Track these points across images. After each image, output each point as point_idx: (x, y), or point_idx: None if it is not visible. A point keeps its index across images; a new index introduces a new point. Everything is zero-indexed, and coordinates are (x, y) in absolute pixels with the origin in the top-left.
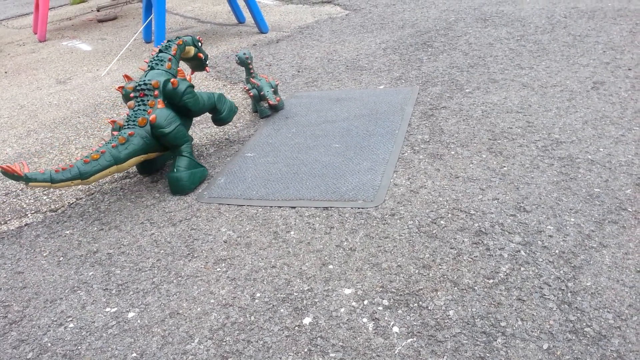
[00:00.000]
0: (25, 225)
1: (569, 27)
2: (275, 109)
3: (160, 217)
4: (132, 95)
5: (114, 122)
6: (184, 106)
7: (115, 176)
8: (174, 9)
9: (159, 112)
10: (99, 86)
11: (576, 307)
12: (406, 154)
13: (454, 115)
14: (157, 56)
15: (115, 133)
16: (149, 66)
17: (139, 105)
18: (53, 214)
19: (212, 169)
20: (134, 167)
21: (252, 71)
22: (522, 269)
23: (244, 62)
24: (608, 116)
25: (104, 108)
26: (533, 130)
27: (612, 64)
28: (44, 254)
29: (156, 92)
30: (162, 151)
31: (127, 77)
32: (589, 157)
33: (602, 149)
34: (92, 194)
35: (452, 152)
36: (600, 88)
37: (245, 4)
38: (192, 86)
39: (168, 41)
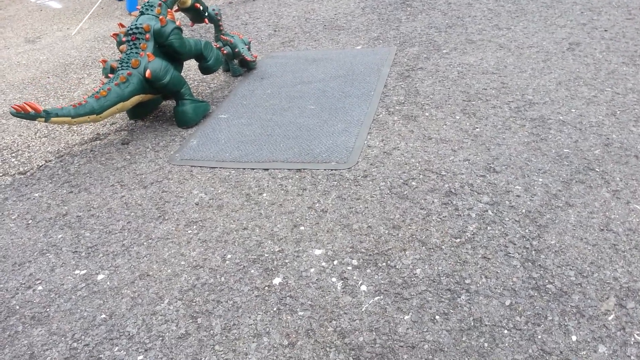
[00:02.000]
0: None
1: None
2: (249, 66)
3: (131, 179)
4: (124, 39)
5: (105, 61)
6: (170, 47)
7: (85, 137)
8: None
9: (152, 65)
10: (69, 45)
11: (539, 265)
12: (381, 116)
13: (430, 76)
14: (147, 2)
15: (111, 76)
16: (140, 12)
17: (131, 48)
18: (22, 176)
19: (184, 131)
20: (118, 115)
21: (222, 28)
22: (488, 228)
23: (214, 19)
24: (582, 77)
25: (74, 68)
26: (507, 91)
27: (589, 25)
28: (13, 217)
29: (147, 36)
30: (157, 93)
31: (121, 25)
32: (561, 118)
33: (573, 110)
34: (62, 156)
35: (427, 114)
36: (575, 49)
37: None
38: (179, 28)
39: None
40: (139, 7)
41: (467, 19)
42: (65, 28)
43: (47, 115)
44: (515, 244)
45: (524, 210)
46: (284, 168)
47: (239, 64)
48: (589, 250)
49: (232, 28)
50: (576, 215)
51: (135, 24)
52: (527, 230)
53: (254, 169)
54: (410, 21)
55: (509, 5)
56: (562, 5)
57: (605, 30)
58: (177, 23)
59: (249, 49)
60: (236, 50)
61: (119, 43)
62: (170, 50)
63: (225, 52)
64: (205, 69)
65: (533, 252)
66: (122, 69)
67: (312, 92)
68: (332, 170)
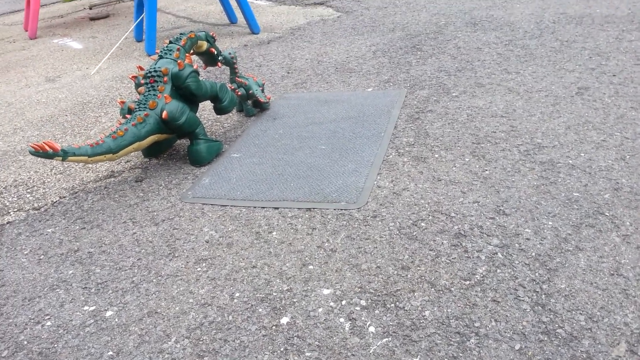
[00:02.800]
0: (7, 223)
1: (557, 33)
2: (263, 107)
3: (143, 216)
4: (142, 81)
5: (123, 102)
6: (187, 89)
7: (100, 174)
8: (166, 8)
9: (169, 107)
10: (87, 84)
11: (549, 309)
12: (391, 157)
13: (440, 118)
14: (167, 47)
15: (128, 117)
16: (159, 56)
17: (149, 90)
18: (36, 212)
19: (197, 169)
20: (135, 153)
21: (237, 70)
22: (498, 270)
23: (229, 62)
24: (591, 121)
25: (91, 107)
26: (516, 134)
27: (598, 69)
28: (25, 252)
29: (165, 79)
30: (172, 133)
31: (140, 67)
32: (570, 161)
33: (583, 154)
34: (76, 192)
35: (436, 155)
36: (584, 93)
37: (237, 4)
38: (196, 71)
39: (180, 34)
40: (157, 50)
41: (477, 63)
42: (85, 68)
43: (64, 155)
44: (525, 287)
45: (533, 254)
46: (294, 207)
47: (252, 105)
48: (599, 295)
49: (246, 70)
50: (586, 260)
51: (154, 67)
52: (537, 274)
53: (264, 207)
54: (420, 65)
55: (517, 49)
56: (570, 50)
57: (614, 75)
58: (195, 66)
59: (262, 90)
60: (250, 92)
61: (137, 85)
62: (187, 93)
63: (239, 93)
64: (220, 110)
65: (543, 295)
66: (139, 110)
67: (323, 133)
68: (341, 210)
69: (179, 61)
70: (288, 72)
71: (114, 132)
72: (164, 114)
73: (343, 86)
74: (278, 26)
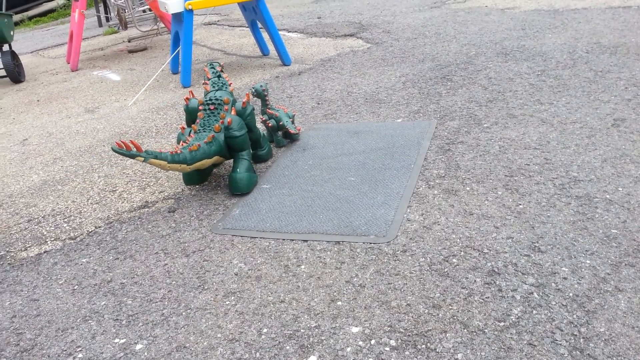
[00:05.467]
0: (44, 252)
1: (590, 63)
2: (293, 138)
3: (174, 247)
4: (200, 107)
5: (184, 128)
6: (247, 125)
7: (134, 205)
8: (201, 41)
9: (234, 118)
10: (125, 115)
11: (588, 354)
12: (421, 189)
13: (471, 150)
14: (219, 79)
15: (189, 139)
16: (217, 87)
17: (209, 115)
18: (72, 241)
19: (228, 200)
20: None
21: (268, 103)
22: (534, 312)
23: (261, 94)
24: (628, 154)
25: (128, 137)
26: (551, 167)
27: (634, 100)
28: (60, 282)
29: (226, 107)
30: (230, 150)
31: (192, 93)
32: (607, 196)
33: (620, 189)
34: (111, 222)
35: (468, 188)
36: (620, 125)
37: (269, 36)
38: (253, 109)
39: (213, 68)
40: (207, 79)
41: (508, 93)
42: (122, 99)
43: (147, 156)
44: (562, 330)
45: (571, 294)
46: (322, 240)
47: (283, 136)
48: None
49: (277, 101)
50: (626, 301)
51: (215, 96)
52: (574, 316)
53: (293, 239)
54: (450, 95)
55: (550, 80)
56: (605, 81)
57: None
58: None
59: (292, 122)
60: (281, 123)
61: (191, 109)
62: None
63: (270, 124)
64: (258, 157)
65: (581, 339)
66: (203, 132)
67: (352, 164)
68: (370, 243)
69: (243, 101)
70: (318, 103)
71: (189, 145)
72: (229, 120)
73: (372, 117)
74: (309, 58)
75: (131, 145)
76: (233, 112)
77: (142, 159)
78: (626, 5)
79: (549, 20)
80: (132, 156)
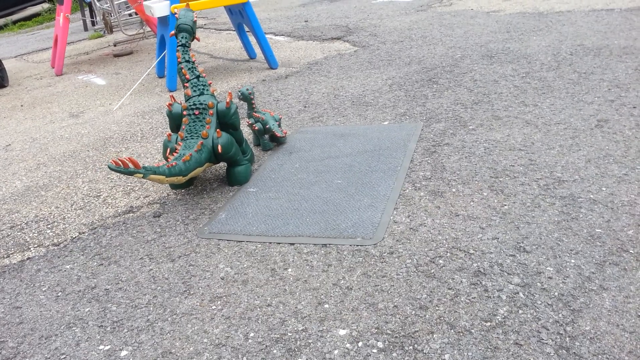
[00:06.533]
0: (27, 259)
1: (574, 65)
2: (279, 141)
3: (159, 252)
4: (185, 112)
5: (170, 135)
6: (232, 125)
7: (119, 210)
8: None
9: (222, 141)
10: (110, 120)
11: (574, 353)
12: (407, 191)
13: (457, 152)
14: (199, 80)
15: (178, 147)
16: (199, 90)
17: (194, 121)
18: (55, 248)
19: (214, 204)
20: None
21: (254, 106)
22: (520, 311)
23: (247, 98)
24: (611, 155)
25: (113, 142)
26: (535, 168)
27: (617, 101)
28: (43, 289)
29: (211, 112)
30: (219, 162)
31: (173, 97)
32: (591, 196)
33: (604, 189)
34: (95, 228)
35: (453, 190)
36: (604, 126)
37: (256, 40)
38: (237, 108)
39: (186, 61)
40: (187, 84)
41: (493, 95)
42: (108, 103)
43: (145, 172)
44: (548, 330)
45: (556, 293)
46: (309, 243)
47: (269, 139)
48: (626, 338)
49: (264, 105)
50: (611, 300)
51: (199, 100)
52: (560, 315)
53: (279, 243)
54: (436, 97)
55: (535, 82)
56: (589, 82)
57: (634, 107)
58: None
59: (279, 125)
60: (267, 126)
61: (175, 115)
62: (230, 127)
63: (256, 128)
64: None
65: (567, 338)
66: (190, 139)
67: (339, 167)
68: (357, 246)
69: (227, 101)
70: (305, 106)
71: (181, 155)
72: (219, 148)
73: (359, 120)
74: (296, 61)
75: (128, 163)
76: (219, 134)
77: (141, 175)
78: (609, 8)
79: (533, 23)
80: (130, 173)
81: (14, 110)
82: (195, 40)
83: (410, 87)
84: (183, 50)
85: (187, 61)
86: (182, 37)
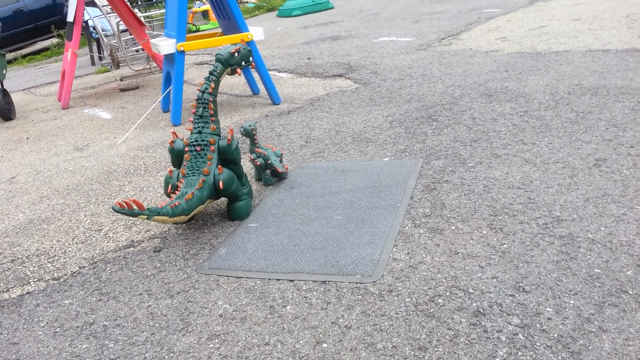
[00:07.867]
0: (27, 293)
1: (572, 104)
2: (280, 177)
3: (158, 288)
4: (187, 149)
5: (171, 171)
6: (233, 161)
7: (120, 244)
8: (192, 80)
9: (223, 177)
10: (114, 154)
11: None
12: (407, 228)
13: (456, 189)
14: (202, 119)
15: (180, 184)
16: (200, 127)
17: (196, 157)
18: (55, 282)
19: (214, 239)
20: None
21: (256, 142)
22: (519, 353)
23: (249, 134)
24: (610, 194)
25: (116, 175)
26: (534, 206)
27: (615, 141)
28: (41, 324)
29: (212, 148)
30: (219, 198)
31: (175, 134)
32: (590, 236)
33: (603, 228)
34: (95, 262)
35: (453, 227)
36: (602, 165)
37: (259, 76)
38: (238, 143)
39: (203, 99)
40: (190, 119)
41: (492, 133)
42: (112, 137)
43: (150, 214)
44: None
45: (555, 335)
46: (309, 280)
47: (270, 174)
48: None
49: (267, 140)
50: (610, 342)
51: (201, 138)
52: (559, 357)
53: (279, 279)
54: (436, 135)
55: (533, 120)
56: (586, 121)
57: (632, 147)
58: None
59: (280, 160)
60: (268, 161)
61: (177, 151)
62: (231, 163)
63: (258, 163)
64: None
65: None
66: (192, 176)
67: (339, 203)
68: (357, 283)
69: (228, 138)
70: (307, 142)
71: (183, 194)
72: (221, 184)
73: (360, 156)
74: (298, 97)
75: (132, 204)
76: (220, 171)
77: (145, 216)
78: (605, 49)
79: (531, 63)
80: (135, 215)
81: (19, 143)
82: (236, 74)
83: (411, 124)
84: (206, 81)
85: (203, 92)
86: (214, 67)
